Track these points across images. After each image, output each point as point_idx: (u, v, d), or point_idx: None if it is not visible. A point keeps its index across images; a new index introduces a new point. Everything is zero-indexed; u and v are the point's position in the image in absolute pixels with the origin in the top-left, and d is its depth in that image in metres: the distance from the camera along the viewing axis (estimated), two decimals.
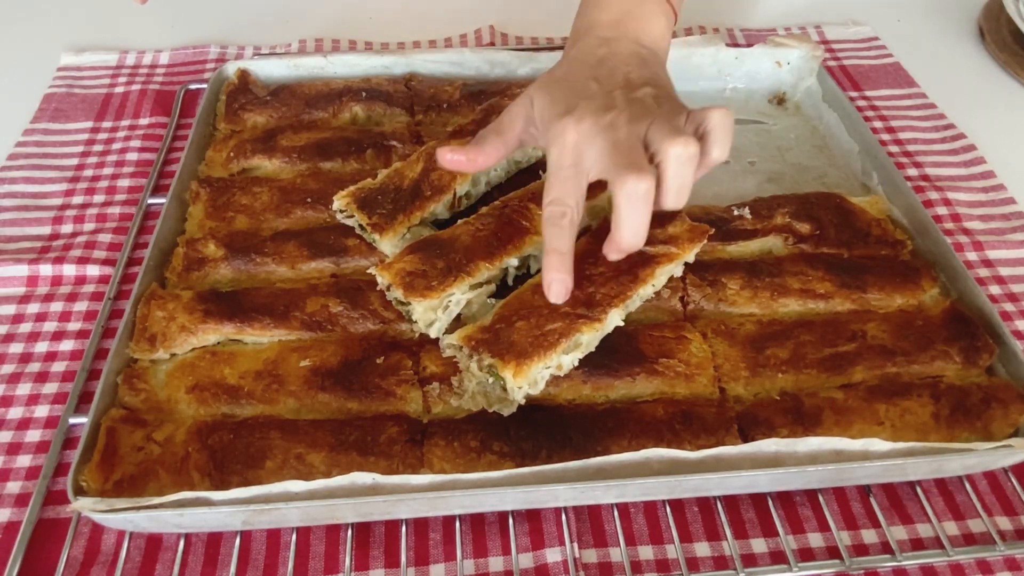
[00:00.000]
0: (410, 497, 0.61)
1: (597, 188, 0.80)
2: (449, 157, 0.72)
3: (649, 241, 0.74)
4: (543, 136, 0.69)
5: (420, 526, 0.67)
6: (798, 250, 0.83)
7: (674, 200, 0.64)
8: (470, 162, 0.73)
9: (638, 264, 0.72)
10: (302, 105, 0.96)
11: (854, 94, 1.10)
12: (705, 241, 0.76)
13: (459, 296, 0.72)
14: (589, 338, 0.68)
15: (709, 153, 0.65)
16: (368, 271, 0.74)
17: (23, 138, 0.99)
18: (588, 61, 0.72)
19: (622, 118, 0.65)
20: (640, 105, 0.66)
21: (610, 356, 0.71)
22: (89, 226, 0.89)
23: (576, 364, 0.68)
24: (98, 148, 0.99)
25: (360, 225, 0.79)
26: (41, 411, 0.73)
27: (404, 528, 0.66)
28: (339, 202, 0.80)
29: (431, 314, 0.71)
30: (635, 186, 0.60)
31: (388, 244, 0.78)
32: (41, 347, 0.78)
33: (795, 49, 1.04)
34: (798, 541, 0.67)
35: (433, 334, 0.72)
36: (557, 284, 0.65)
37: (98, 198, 0.93)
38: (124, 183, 0.94)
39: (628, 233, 0.63)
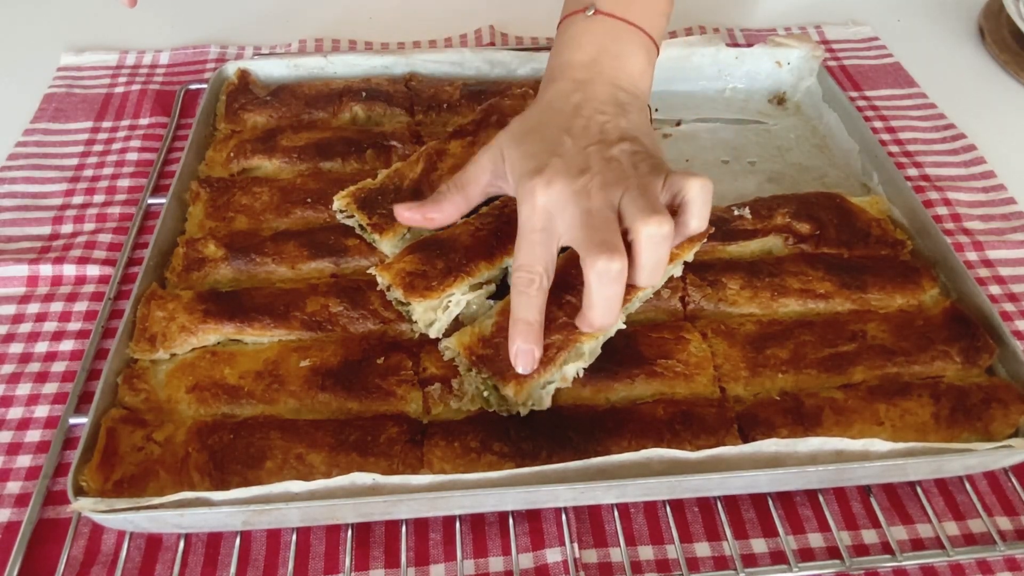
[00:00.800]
0: (410, 497, 0.61)
1: None
2: (406, 215, 0.71)
3: None
4: (514, 191, 0.66)
5: (420, 526, 0.67)
6: (798, 250, 0.83)
7: (647, 279, 0.62)
8: (426, 220, 0.71)
9: None
10: (302, 105, 0.96)
11: (854, 94, 1.10)
12: (705, 241, 0.76)
13: (459, 296, 0.71)
14: (591, 346, 0.68)
15: (687, 224, 0.63)
16: (368, 271, 0.74)
17: (23, 138, 0.99)
18: (563, 109, 0.68)
19: (595, 183, 0.62)
20: (615, 167, 0.63)
21: (610, 358, 0.71)
22: (89, 226, 0.89)
23: (580, 374, 0.68)
24: (98, 148, 0.99)
25: (360, 225, 0.79)
26: (41, 411, 0.73)
27: (404, 528, 0.66)
28: (339, 202, 0.80)
29: (431, 314, 0.71)
30: (606, 266, 0.58)
31: (388, 244, 0.78)
32: (41, 347, 0.78)
33: (795, 49, 1.04)
34: (798, 541, 0.67)
35: (433, 334, 0.72)
36: (524, 356, 0.63)
37: (98, 198, 0.93)
38: (124, 183, 0.94)
39: (599, 311, 0.61)
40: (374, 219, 0.78)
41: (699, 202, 0.62)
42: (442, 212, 0.71)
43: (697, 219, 0.63)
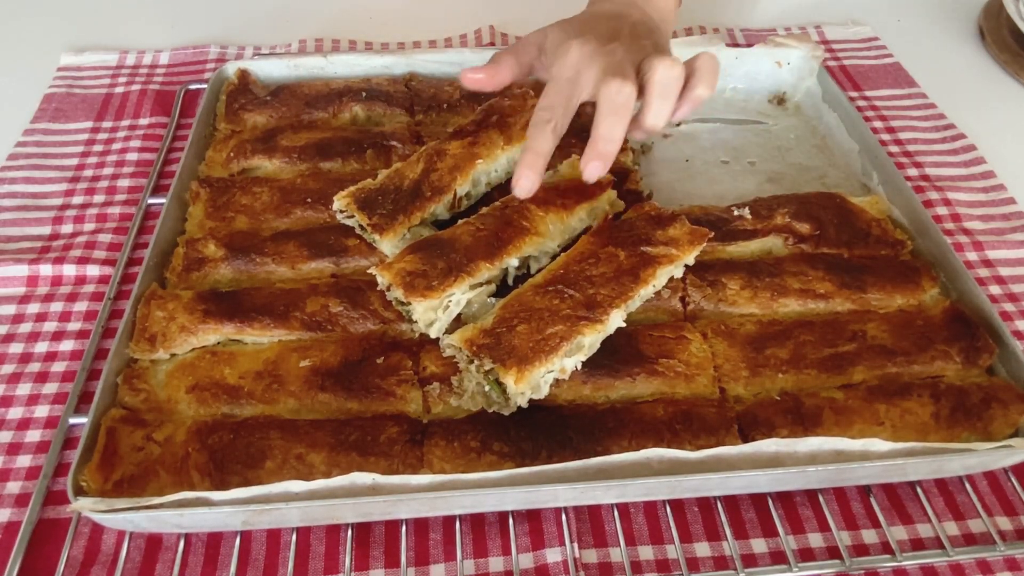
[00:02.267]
0: (410, 497, 0.61)
1: (596, 189, 0.81)
2: (470, 76, 0.77)
3: (650, 242, 0.74)
4: (551, 58, 0.74)
5: (420, 526, 0.67)
6: (798, 250, 0.83)
7: (652, 119, 0.69)
8: (490, 78, 0.77)
9: (639, 264, 0.72)
10: (302, 105, 0.96)
11: (854, 94, 1.10)
12: (705, 244, 0.76)
13: (459, 296, 0.71)
14: (591, 340, 0.68)
15: (694, 88, 0.69)
16: (368, 271, 0.74)
17: (23, 138, 0.99)
18: (603, 15, 0.77)
19: (621, 48, 0.70)
20: (640, 46, 0.72)
21: (610, 356, 0.71)
22: (89, 226, 0.89)
23: (579, 367, 0.68)
24: (98, 148, 0.99)
25: (360, 225, 0.79)
26: (41, 411, 0.73)
27: (404, 528, 0.66)
28: (339, 202, 0.80)
29: (431, 314, 0.71)
30: (617, 89, 0.66)
31: (388, 244, 0.78)
32: (41, 347, 0.78)
33: (795, 49, 1.04)
34: (798, 541, 0.67)
35: (433, 334, 0.72)
36: (526, 180, 0.69)
37: (98, 198, 0.93)
38: (124, 183, 0.94)
39: (602, 138, 0.68)
40: (374, 219, 0.78)
41: (706, 69, 0.69)
42: (500, 73, 0.77)
43: (704, 84, 0.69)
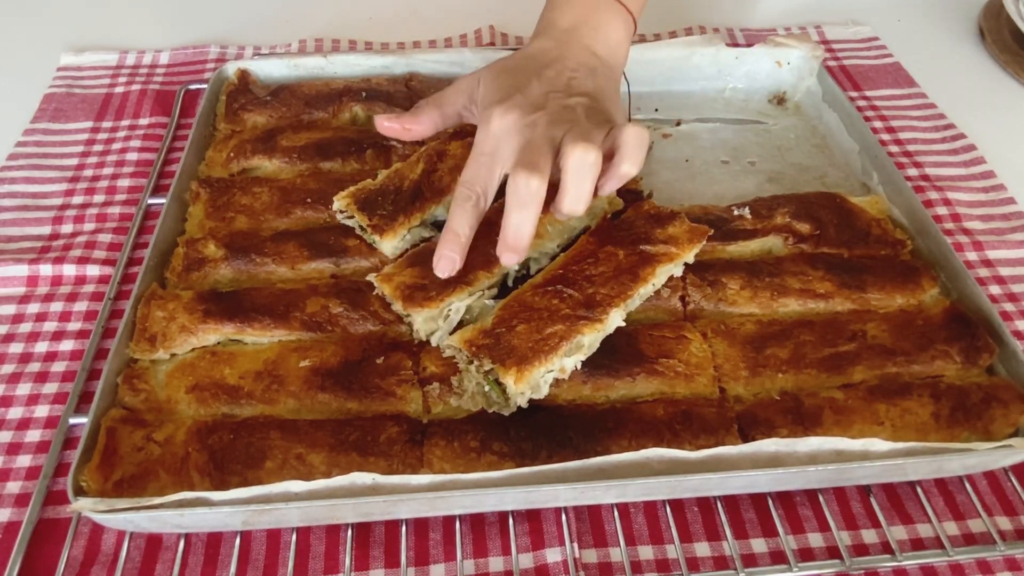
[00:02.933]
0: (410, 497, 0.61)
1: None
2: (386, 125, 0.76)
3: (649, 240, 0.74)
4: (477, 118, 0.72)
5: (420, 526, 0.67)
6: (798, 250, 0.83)
7: (568, 205, 0.66)
8: (405, 131, 0.77)
9: (638, 263, 0.72)
10: (302, 105, 0.96)
11: (854, 94, 1.10)
12: (704, 242, 0.76)
13: (459, 304, 0.72)
14: (591, 339, 0.68)
15: (618, 166, 0.67)
16: (368, 278, 0.74)
17: (23, 138, 0.99)
18: (540, 59, 0.74)
19: (543, 120, 0.68)
20: (567, 112, 0.69)
21: (610, 356, 0.71)
22: (89, 226, 0.89)
23: (579, 366, 0.68)
24: (98, 148, 0.99)
25: (360, 226, 0.79)
26: (41, 411, 0.73)
27: (404, 528, 0.66)
28: (339, 203, 0.80)
29: (431, 324, 0.71)
30: (525, 183, 0.64)
31: (388, 245, 0.78)
32: (41, 347, 0.78)
33: (795, 49, 1.04)
34: (798, 541, 0.67)
35: (434, 342, 0.72)
36: (446, 261, 0.69)
37: (98, 198, 0.93)
38: (124, 183, 0.94)
39: (512, 231, 0.66)
40: (374, 220, 0.78)
41: (631, 146, 0.66)
42: (419, 124, 0.77)
43: (629, 162, 0.66)
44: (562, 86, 0.71)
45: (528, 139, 0.67)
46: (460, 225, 0.68)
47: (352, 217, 0.80)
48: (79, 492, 0.62)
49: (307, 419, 0.69)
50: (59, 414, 0.73)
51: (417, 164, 0.82)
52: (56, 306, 0.82)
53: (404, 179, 0.81)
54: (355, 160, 0.91)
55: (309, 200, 0.85)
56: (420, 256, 0.75)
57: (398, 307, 0.72)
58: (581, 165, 0.64)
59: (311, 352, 0.72)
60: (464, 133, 0.84)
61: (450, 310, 0.71)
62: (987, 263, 0.88)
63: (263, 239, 0.81)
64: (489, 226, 0.76)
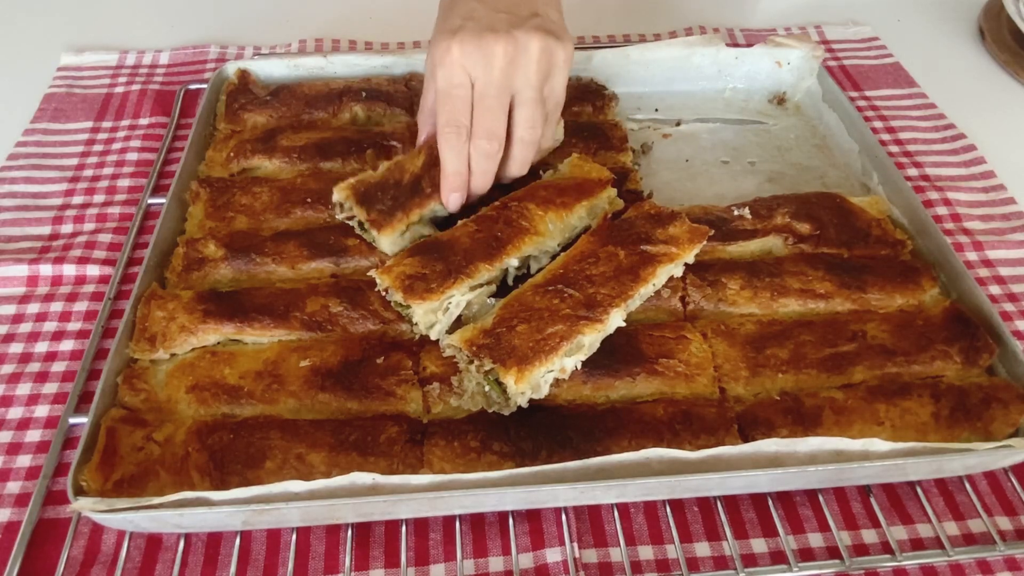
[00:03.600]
0: (410, 497, 0.61)
1: (596, 186, 0.81)
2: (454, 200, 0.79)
3: (650, 240, 0.74)
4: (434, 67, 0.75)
5: (420, 526, 0.67)
6: (798, 250, 0.83)
7: (516, 168, 0.78)
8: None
9: (639, 263, 0.72)
10: (302, 105, 0.96)
11: (854, 94, 1.10)
12: (704, 242, 0.76)
13: (459, 298, 0.71)
14: (591, 339, 0.68)
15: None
16: (368, 273, 0.74)
17: (23, 138, 0.99)
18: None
19: (499, 49, 0.71)
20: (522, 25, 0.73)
21: (610, 356, 0.71)
22: (89, 226, 0.89)
23: (579, 366, 0.68)
24: (98, 148, 0.99)
25: (359, 223, 0.79)
26: (41, 411, 0.73)
27: (404, 528, 0.66)
28: (339, 194, 0.80)
29: (431, 316, 0.71)
30: (485, 152, 0.74)
31: (386, 241, 0.78)
32: (41, 347, 0.78)
33: (795, 49, 1.04)
34: (798, 541, 0.67)
35: (434, 336, 0.72)
36: (454, 199, 0.77)
37: (98, 198, 0.93)
38: (124, 183, 0.94)
39: (465, 178, 0.76)
40: (372, 215, 0.78)
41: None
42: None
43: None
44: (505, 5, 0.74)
45: (487, 83, 0.71)
46: (460, 164, 0.72)
47: (352, 214, 0.79)
48: (79, 492, 0.62)
49: (307, 419, 0.69)
50: (59, 414, 0.73)
51: (418, 156, 0.81)
52: (56, 306, 0.82)
53: (404, 172, 0.80)
54: (355, 160, 0.91)
55: (309, 200, 0.85)
56: (421, 247, 0.74)
57: (398, 298, 0.71)
58: (528, 138, 0.74)
59: (311, 352, 0.72)
60: None
61: (450, 303, 0.71)
62: (987, 263, 0.88)
63: (263, 239, 0.81)
64: (489, 221, 0.76)
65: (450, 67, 0.70)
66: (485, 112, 0.72)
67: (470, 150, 0.74)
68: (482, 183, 0.76)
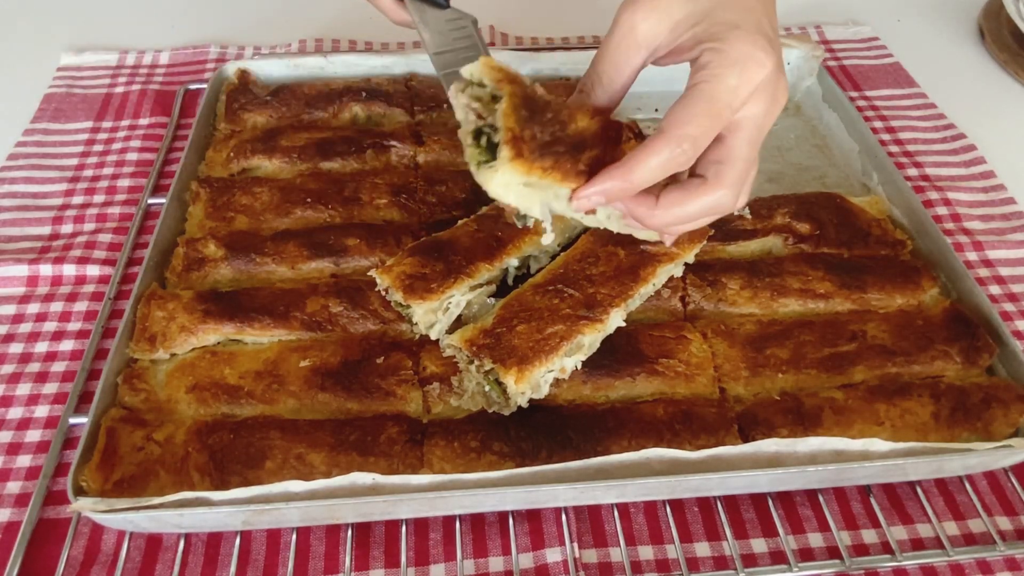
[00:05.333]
0: (410, 497, 0.61)
1: None
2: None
3: (649, 240, 0.74)
4: (719, 50, 0.54)
5: (420, 526, 0.67)
6: (798, 250, 0.83)
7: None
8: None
9: (639, 263, 0.72)
10: (302, 105, 0.96)
11: (854, 94, 1.09)
12: (705, 242, 0.76)
13: (459, 297, 0.71)
14: (591, 339, 0.68)
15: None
16: (368, 273, 0.74)
17: (23, 138, 0.99)
18: None
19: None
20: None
21: (610, 356, 0.71)
22: (89, 226, 0.89)
23: (579, 366, 0.68)
24: (98, 148, 0.99)
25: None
26: (41, 411, 0.73)
27: (404, 528, 0.66)
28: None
29: (431, 316, 0.71)
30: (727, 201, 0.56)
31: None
32: (41, 347, 0.78)
33: (795, 49, 1.04)
34: (798, 541, 0.67)
35: (434, 336, 0.72)
36: (599, 196, 0.55)
37: (98, 198, 0.93)
38: (124, 183, 0.94)
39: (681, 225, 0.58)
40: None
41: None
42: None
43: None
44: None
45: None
46: (646, 176, 0.53)
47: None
48: (79, 492, 0.62)
49: (307, 419, 0.69)
50: (59, 414, 0.73)
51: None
52: (56, 306, 0.82)
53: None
54: (355, 160, 0.91)
55: (309, 200, 0.85)
56: (421, 247, 0.74)
57: (398, 298, 0.71)
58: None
59: (311, 352, 0.72)
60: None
61: (450, 303, 0.71)
62: (987, 263, 0.88)
63: (263, 239, 0.81)
64: (490, 220, 0.76)
65: (747, 83, 0.53)
66: (749, 164, 0.56)
67: (699, 194, 0.56)
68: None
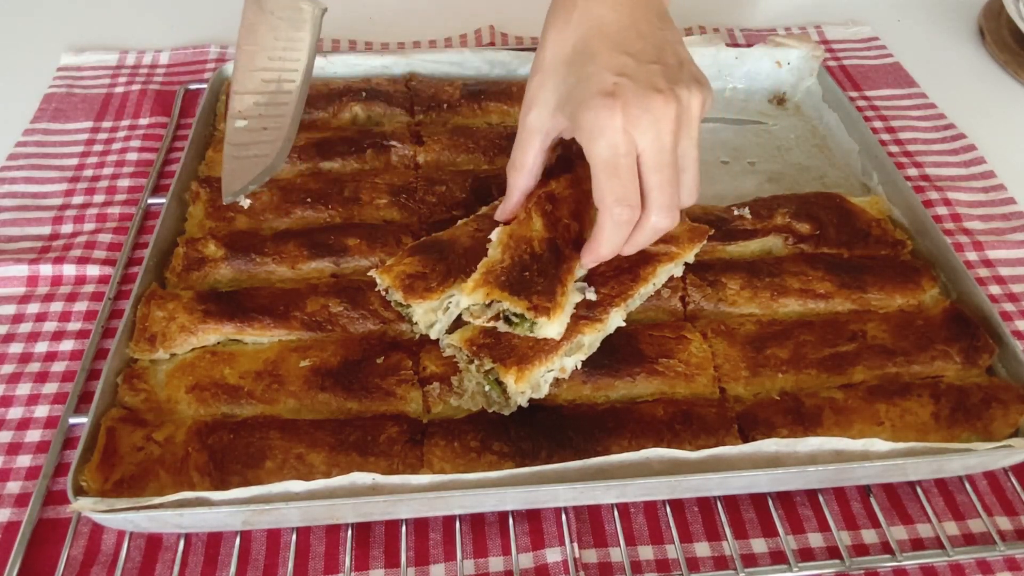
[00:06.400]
0: (410, 497, 0.61)
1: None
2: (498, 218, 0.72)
3: None
4: (577, 119, 0.62)
5: (420, 526, 0.67)
6: (798, 250, 0.83)
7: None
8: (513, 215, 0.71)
9: (639, 263, 0.72)
10: None
11: (854, 94, 1.10)
12: (705, 241, 0.76)
13: (459, 297, 0.71)
14: (591, 339, 0.68)
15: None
16: (368, 273, 0.74)
17: (23, 138, 0.99)
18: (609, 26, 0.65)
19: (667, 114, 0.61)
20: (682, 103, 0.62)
21: (610, 356, 0.71)
22: (89, 226, 0.89)
23: (579, 366, 0.68)
24: (98, 148, 0.99)
25: (512, 315, 0.66)
26: (41, 411, 0.73)
27: (404, 528, 0.66)
28: (480, 295, 0.64)
29: (431, 315, 0.71)
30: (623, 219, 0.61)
31: (555, 327, 0.65)
32: (41, 347, 0.78)
33: (795, 49, 1.04)
34: (798, 541, 0.67)
35: (434, 335, 0.71)
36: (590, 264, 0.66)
37: (98, 198, 0.93)
38: (124, 183, 0.94)
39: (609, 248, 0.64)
40: (534, 300, 0.64)
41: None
42: (516, 206, 0.71)
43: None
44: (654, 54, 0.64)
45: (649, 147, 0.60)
46: (619, 242, 0.63)
47: (492, 313, 0.66)
48: (79, 492, 0.62)
49: (307, 419, 0.69)
50: (59, 414, 0.73)
51: (531, 221, 0.70)
52: (56, 306, 0.82)
53: (530, 242, 0.68)
54: (355, 160, 0.91)
55: (309, 200, 0.85)
56: (421, 246, 0.74)
57: (398, 297, 0.71)
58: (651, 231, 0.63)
59: (311, 352, 0.72)
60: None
61: (450, 302, 0.71)
62: (987, 263, 0.88)
63: (263, 239, 0.81)
64: (490, 220, 0.76)
65: (614, 134, 0.59)
66: (665, 185, 0.61)
67: (638, 226, 0.62)
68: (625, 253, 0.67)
